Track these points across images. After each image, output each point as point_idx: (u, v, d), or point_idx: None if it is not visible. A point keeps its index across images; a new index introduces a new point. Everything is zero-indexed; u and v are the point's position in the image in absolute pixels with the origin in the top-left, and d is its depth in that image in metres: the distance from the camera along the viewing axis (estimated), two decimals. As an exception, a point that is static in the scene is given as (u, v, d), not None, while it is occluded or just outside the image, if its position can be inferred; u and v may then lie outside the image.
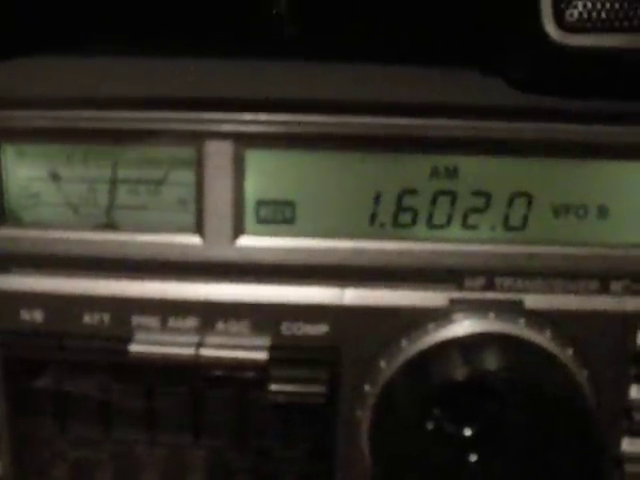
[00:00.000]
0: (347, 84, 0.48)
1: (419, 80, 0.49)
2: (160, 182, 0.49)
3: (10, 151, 0.49)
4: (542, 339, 0.48)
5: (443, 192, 0.48)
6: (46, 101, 0.48)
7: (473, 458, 0.47)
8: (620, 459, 0.50)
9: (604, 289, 0.49)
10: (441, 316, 0.48)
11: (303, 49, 0.52)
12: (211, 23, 0.56)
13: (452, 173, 0.48)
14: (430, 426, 0.47)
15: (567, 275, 0.48)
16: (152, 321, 0.49)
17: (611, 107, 0.46)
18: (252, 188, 0.48)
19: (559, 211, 0.48)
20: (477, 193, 0.48)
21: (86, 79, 0.49)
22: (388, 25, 0.56)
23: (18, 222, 0.50)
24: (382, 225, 0.49)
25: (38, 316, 0.50)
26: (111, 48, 0.52)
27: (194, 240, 0.49)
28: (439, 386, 0.46)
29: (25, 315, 0.50)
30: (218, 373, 0.49)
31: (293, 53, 0.51)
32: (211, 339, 0.49)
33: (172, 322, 0.49)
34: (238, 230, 0.49)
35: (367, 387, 0.49)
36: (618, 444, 0.50)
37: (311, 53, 0.50)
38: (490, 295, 0.49)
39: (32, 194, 0.50)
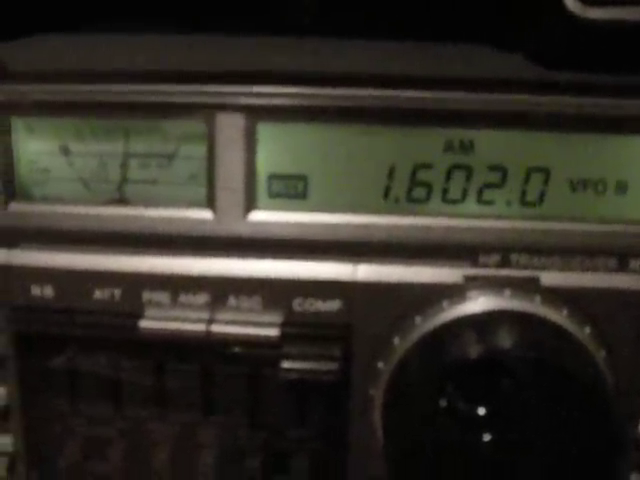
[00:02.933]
0: (361, 58, 0.47)
1: (434, 55, 0.48)
2: (171, 156, 0.48)
3: (20, 126, 0.49)
4: (558, 317, 0.47)
5: (458, 166, 0.47)
6: (56, 75, 0.47)
7: (487, 438, 0.46)
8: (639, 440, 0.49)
9: (623, 267, 0.48)
10: (455, 293, 0.47)
11: (317, 26, 0.51)
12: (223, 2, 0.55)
13: (467, 147, 0.47)
14: (444, 404, 0.46)
15: (585, 252, 0.48)
16: (163, 297, 0.49)
17: (631, 80, 0.45)
18: (264, 162, 0.47)
19: (577, 186, 0.47)
20: (493, 168, 0.47)
21: (96, 54, 0.49)
22: (403, 1, 0.55)
23: (28, 197, 0.50)
24: (396, 200, 0.48)
25: (49, 292, 0.49)
26: (119, 26, 0.51)
27: (205, 215, 0.48)
28: (453, 364, 0.46)
29: (36, 291, 0.49)
30: (229, 350, 0.48)
31: (307, 30, 0.50)
32: (222, 315, 0.49)
33: (183, 298, 0.49)
34: (250, 205, 0.48)
35: (380, 364, 0.48)
36: (636, 424, 0.49)
37: (325, 29, 0.50)
38: (505, 272, 0.48)
39: (42, 169, 0.49)
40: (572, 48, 0.45)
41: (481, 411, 0.46)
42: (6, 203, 0.49)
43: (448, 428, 0.46)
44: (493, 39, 0.48)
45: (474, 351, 0.45)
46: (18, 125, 0.49)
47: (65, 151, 0.49)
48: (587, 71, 0.45)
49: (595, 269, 0.48)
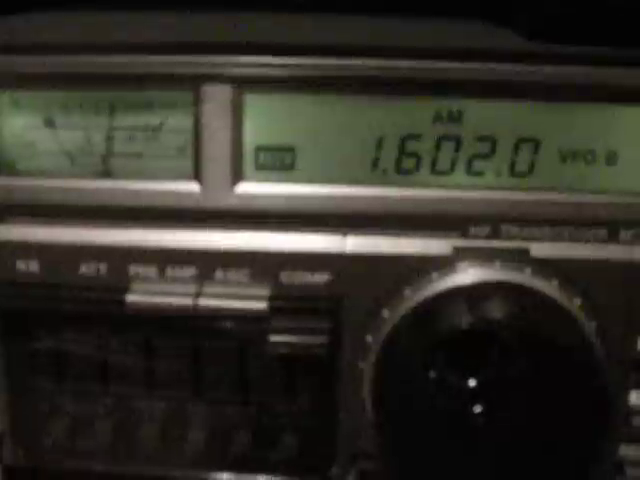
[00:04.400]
0: (350, 29, 0.47)
1: (423, 26, 0.47)
2: (157, 128, 0.48)
3: (5, 98, 0.48)
4: (549, 288, 0.47)
5: (447, 137, 0.47)
6: (41, 47, 0.47)
7: (477, 409, 0.46)
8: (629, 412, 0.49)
9: (613, 237, 0.47)
10: (445, 264, 0.47)
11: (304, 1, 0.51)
12: None
13: (456, 117, 0.47)
14: (433, 376, 0.46)
15: (575, 223, 0.47)
16: (149, 271, 0.48)
17: (621, 51, 0.45)
18: (251, 133, 0.47)
19: (566, 157, 0.47)
20: (482, 138, 0.47)
21: (81, 27, 0.48)
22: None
23: (13, 171, 0.49)
24: (384, 171, 0.47)
25: (34, 266, 0.49)
26: (111, 5, 0.51)
27: (192, 187, 0.48)
28: (443, 335, 0.45)
29: (21, 266, 0.49)
30: (217, 324, 0.48)
31: (293, 5, 0.50)
32: (210, 289, 0.48)
33: (170, 271, 0.48)
34: (237, 177, 0.47)
35: (369, 338, 0.48)
36: (626, 395, 0.49)
37: (314, 2, 0.49)
38: (495, 243, 0.47)
39: (27, 142, 0.49)
40: (558, 20, 0.45)
41: (471, 382, 0.46)
42: (-10, 177, 0.49)
43: (438, 400, 0.46)
44: (481, 12, 0.48)
45: (464, 321, 0.45)
46: (3, 98, 0.48)
47: (50, 124, 0.48)
48: (575, 43, 0.45)
49: (585, 240, 0.47)
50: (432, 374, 0.46)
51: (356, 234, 0.48)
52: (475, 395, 0.46)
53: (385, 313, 0.47)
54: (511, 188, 0.47)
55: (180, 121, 0.47)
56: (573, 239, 0.47)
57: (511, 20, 0.47)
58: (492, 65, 0.46)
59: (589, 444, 0.46)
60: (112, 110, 0.48)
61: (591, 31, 0.45)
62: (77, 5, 0.50)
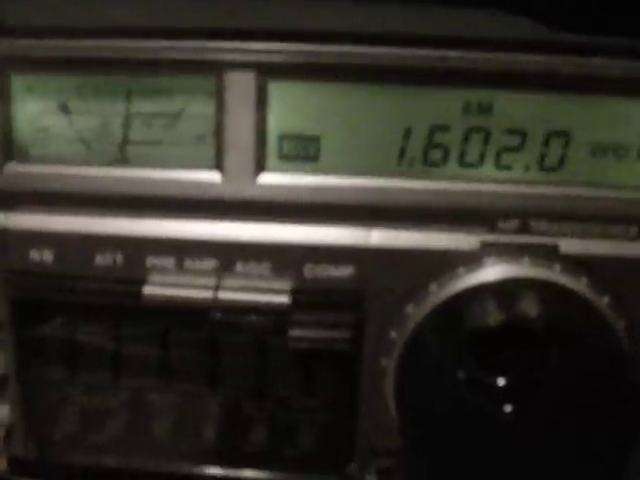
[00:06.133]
0: (377, 17, 0.45)
1: (452, 16, 0.46)
2: (177, 115, 0.46)
3: (19, 83, 0.47)
4: (578, 286, 0.46)
5: (476, 129, 0.46)
6: (56, 30, 0.45)
7: (508, 409, 0.45)
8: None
9: None
10: (472, 260, 0.46)
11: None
12: None
13: (486, 109, 0.45)
14: (461, 376, 0.45)
15: (605, 219, 0.46)
16: (167, 262, 0.47)
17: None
18: (275, 122, 0.46)
19: (597, 151, 0.46)
20: (512, 131, 0.46)
21: (98, 9, 0.46)
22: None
23: (27, 158, 0.48)
24: (411, 163, 0.46)
25: (48, 256, 0.48)
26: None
27: (213, 177, 0.46)
28: (470, 333, 0.44)
29: (35, 255, 0.48)
30: (236, 318, 0.47)
31: None
32: (230, 281, 0.47)
33: (189, 263, 0.47)
34: (259, 166, 0.46)
35: (393, 333, 0.47)
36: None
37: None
38: (524, 239, 0.46)
39: (41, 128, 0.47)
40: (584, 10, 0.43)
41: (501, 382, 0.45)
42: (3, 164, 0.47)
43: (466, 400, 0.45)
44: (507, 2, 0.46)
45: (493, 319, 0.44)
46: (16, 83, 0.47)
47: (65, 110, 0.47)
48: (608, 34, 0.44)
49: (615, 237, 0.46)
50: (459, 372, 0.45)
51: (381, 227, 0.46)
52: (505, 394, 0.45)
53: (410, 309, 0.46)
54: (540, 182, 0.46)
55: (201, 108, 0.46)
56: (603, 236, 0.46)
57: (529, 9, 0.45)
58: (523, 56, 0.44)
59: (621, 441, 0.45)
60: (129, 96, 0.47)
61: (617, 21, 0.43)
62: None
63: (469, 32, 0.45)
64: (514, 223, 0.46)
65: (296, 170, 0.46)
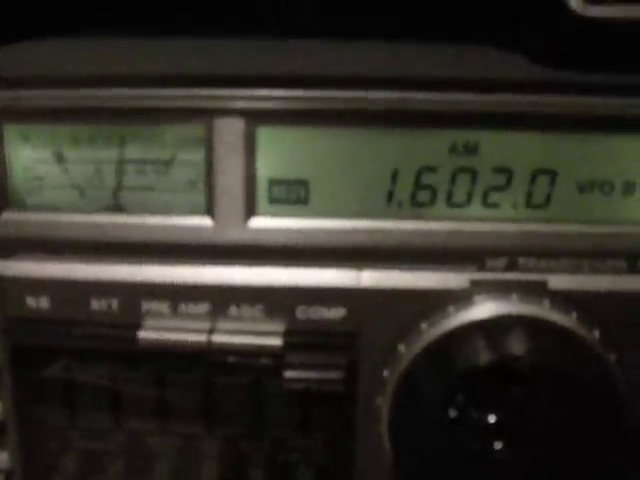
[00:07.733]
0: (363, 60, 0.46)
1: (437, 56, 0.47)
2: (169, 162, 0.47)
3: (14, 132, 0.48)
4: (568, 321, 0.46)
5: (463, 169, 0.46)
6: (50, 80, 0.46)
7: (498, 446, 0.45)
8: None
9: (632, 269, 0.47)
10: (462, 298, 0.46)
11: (317, 28, 0.50)
12: (219, 5, 0.54)
13: (472, 149, 0.46)
14: (453, 413, 0.45)
15: (593, 254, 0.47)
16: (162, 307, 0.48)
17: (637, 80, 0.44)
18: (264, 167, 0.46)
19: (584, 188, 0.47)
20: (498, 170, 0.46)
21: (91, 58, 0.47)
22: (402, 2, 0.54)
23: (22, 206, 0.48)
24: (400, 204, 0.47)
25: (44, 303, 0.48)
26: (115, 31, 0.50)
27: (205, 222, 0.47)
28: (461, 371, 0.45)
29: (31, 302, 0.48)
30: (231, 360, 0.47)
31: (307, 32, 0.49)
32: (223, 325, 0.47)
33: (183, 307, 0.48)
34: (250, 211, 0.47)
35: (386, 373, 0.47)
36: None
37: (325, 31, 0.49)
38: (513, 276, 0.47)
39: (37, 176, 0.48)
40: (575, 47, 0.44)
41: (491, 419, 0.45)
42: (-1, 212, 0.48)
43: (458, 437, 0.45)
44: (496, 40, 0.47)
45: (483, 358, 0.44)
46: (12, 132, 0.47)
47: (59, 158, 0.48)
48: (591, 71, 0.44)
49: (604, 271, 0.47)
50: (451, 410, 0.45)
51: (371, 268, 0.47)
52: (495, 431, 0.45)
53: (402, 348, 0.47)
54: (528, 220, 0.47)
55: (192, 155, 0.47)
56: (591, 271, 0.47)
57: (525, 46, 0.46)
58: (507, 97, 0.45)
59: (613, 476, 0.45)
60: (122, 143, 0.47)
61: (606, 59, 0.44)
62: (77, 33, 0.50)
63: (451, 72, 0.45)
64: (503, 261, 0.47)
65: (286, 214, 0.47)
